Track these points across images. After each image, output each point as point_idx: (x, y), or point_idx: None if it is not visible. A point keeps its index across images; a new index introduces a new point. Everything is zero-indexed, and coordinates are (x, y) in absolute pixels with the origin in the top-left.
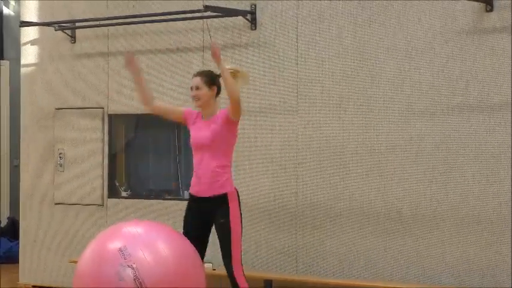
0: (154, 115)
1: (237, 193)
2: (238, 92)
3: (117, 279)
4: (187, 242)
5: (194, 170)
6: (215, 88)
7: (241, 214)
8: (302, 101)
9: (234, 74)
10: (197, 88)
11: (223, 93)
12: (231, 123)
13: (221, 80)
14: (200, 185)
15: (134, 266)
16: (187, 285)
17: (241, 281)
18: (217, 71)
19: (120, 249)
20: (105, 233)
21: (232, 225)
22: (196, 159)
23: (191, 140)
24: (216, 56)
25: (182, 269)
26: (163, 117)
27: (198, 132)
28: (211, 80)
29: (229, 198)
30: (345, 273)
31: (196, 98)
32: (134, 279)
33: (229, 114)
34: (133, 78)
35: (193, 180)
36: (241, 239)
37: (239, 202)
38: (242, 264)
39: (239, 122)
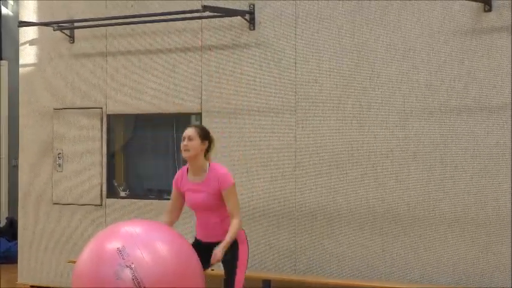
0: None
1: (245, 234)
2: (240, 226)
3: (115, 278)
4: (186, 241)
5: (196, 221)
6: (206, 143)
7: (248, 253)
8: (300, 101)
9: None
10: (190, 139)
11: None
12: (221, 196)
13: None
14: (206, 234)
15: (133, 266)
16: (186, 285)
17: None
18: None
19: (118, 249)
20: (104, 232)
21: (239, 262)
22: (196, 213)
23: (186, 202)
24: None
25: (181, 268)
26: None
27: (192, 195)
28: (205, 134)
29: (239, 240)
30: (343, 273)
31: (186, 149)
32: (133, 279)
33: (222, 194)
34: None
35: (197, 228)
36: (244, 276)
37: (247, 242)
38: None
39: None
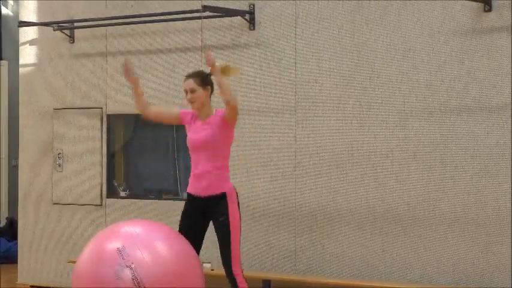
0: (151, 120)
1: (236, 194)
2: (235, 99)
3: (115, 278)
4: (186, 241)
5: (192, 170)
6: (209, 88)
7: (240, 214)
8: (300, 101)
9: (226, 70)
10: (192, 91)
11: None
12: (227, 126)
13: (213, 79)
14: (198, 185)
15: (133, 266)
16: (186, 285)
17: (240, 281)
18: (207, 70)
19: (118, 249)
20: (104, 232)
21: (231, 223)
22: (193, 159)
23: (187, 141)
24: (211, 66)
25: (181, 268)
26: (161, 121)
27: (195, 134)
28: (205, 80)
29: (228, 197)
30: (343, 273)
31: (192, 101)
32: (132, 279)
33: (226, 118)
34: (132, 86)
35: (191, 180)
36: (240, 238)
37: (238, 203)
38: (241, 264)
39: (235, 123)
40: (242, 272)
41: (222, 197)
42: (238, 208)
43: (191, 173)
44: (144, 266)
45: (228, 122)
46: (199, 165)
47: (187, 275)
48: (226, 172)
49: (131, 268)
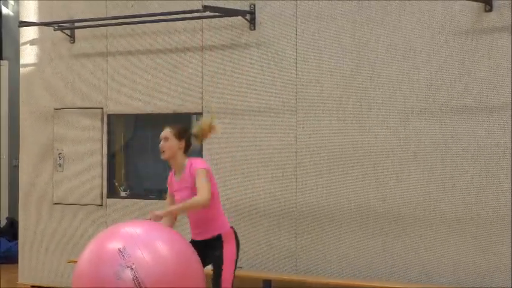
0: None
1: (235, 233)
2: (199, 204)
3: (115, 279)
4: (186, 241)
5: (189, 220)
6: (183, 142)
7: (237, 253)
8: (301, 102)
9: (207, 127)
10: (165, 139)
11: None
12: None
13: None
14: (199, 232)
15: (133, 266)
16: (187, 285)
17: None
18: (188, 127)
19: (119, 250)
20: (105, 233)
21: (225, 262)
22: (187, 213)
23: (176, 202)
24: (158, 218)
25: (181, 268)
26: None
27: (177, 195)
28: (182, 133)
29: (223, 237)
30: (344, 273)
31: (162, 150)
32: (133, 280)
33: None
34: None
35: (191, 228)
36: (233, 277)
37: (237, 242)
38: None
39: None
40: None
41: (218, 238)
42: (237, 249)
43: (190, 222)
44: (144, 266)
45: None
46: (191, 216)
47: (188, 275)
48: (220, 216)
49: (132, 268)
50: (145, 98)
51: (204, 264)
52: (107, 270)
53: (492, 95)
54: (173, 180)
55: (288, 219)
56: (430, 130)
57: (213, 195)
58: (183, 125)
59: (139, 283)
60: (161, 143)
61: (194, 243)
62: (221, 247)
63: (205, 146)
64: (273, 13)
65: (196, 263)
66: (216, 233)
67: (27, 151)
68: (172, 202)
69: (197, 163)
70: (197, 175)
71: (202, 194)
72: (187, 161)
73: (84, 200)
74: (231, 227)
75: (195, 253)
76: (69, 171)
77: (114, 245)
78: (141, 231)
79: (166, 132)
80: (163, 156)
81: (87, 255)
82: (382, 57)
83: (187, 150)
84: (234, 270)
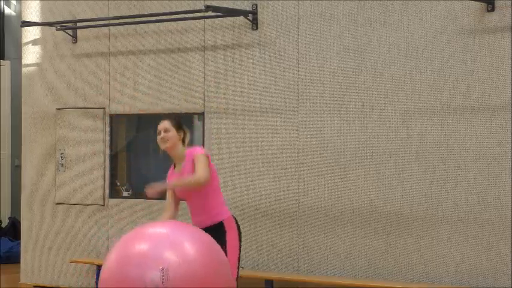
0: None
1: (236, 221)
2: (200, 181)
3: (144, 282)
4: (213, 241)
5: (190, 211)
6: (182, 133)
7: (240, 241)
8: (303, 102)
9: None
10: (166, 130)
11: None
12: None
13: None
14: (200, 220)
15: (163, 268)
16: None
17: None
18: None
19: (147, 252)
20: (132, 234)
21: (228, 250)
22: (188, 203)
23: (177, 194)
24: (157, 192)
25: (211, 270)
26: (183, 200)
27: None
28: (180, 124)
29: (226, 225)
30: (346, 273)
31: (163, 140)
32: (162, 281)
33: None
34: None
35: (191, 218)
36: (238, 265)
37: (239, 231)
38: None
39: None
40: None
41: (220, 225)
42: (239, 237)
43: (190, 213)
44: (174, 267)
45: None
46: (192, 207)
47: (217, 276)
48: (220, 205)
49: (161, 271)
50: (147, 98)
51: None
52: (135, 272)
53: (494, 94)
54: (173, 174)
55: (290, 219)
56: (432, 130)
57: (213, 181)
58: (179, 117)
59: (168, 284)
60: (162, 134)
61: None
62: (224, 234)
63: (207, 146)
64: (275, 13)
65: (225, 263)
66: (217, 220)
67: (29, 151)
68: (173, 196)
69: (197, 149)
70: (197, 159)
71: (202, 172)
72: (186, 151)
73: (86, 200)
74: (232, 215)
75: (223, 253)
76: (71, 172)
77: (142, 247)
78: (169, 232)
79: (166, 123)
80: (164, 147)
81: (114, 256)
82: (384, 57)
83: (185, 141)
84: (239, 258)
